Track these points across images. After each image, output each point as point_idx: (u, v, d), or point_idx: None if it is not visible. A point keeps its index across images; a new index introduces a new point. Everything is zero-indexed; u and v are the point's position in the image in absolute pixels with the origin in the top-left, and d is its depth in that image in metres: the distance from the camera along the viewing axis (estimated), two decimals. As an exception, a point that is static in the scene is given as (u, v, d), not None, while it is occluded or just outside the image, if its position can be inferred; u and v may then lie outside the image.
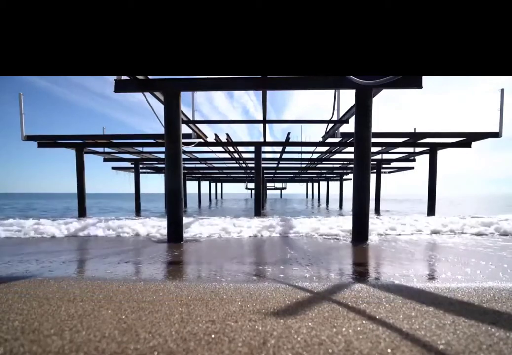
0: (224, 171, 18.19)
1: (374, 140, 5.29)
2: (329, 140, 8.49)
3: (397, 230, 5.58)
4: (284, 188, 38.65)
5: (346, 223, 5.95)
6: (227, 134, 8.34)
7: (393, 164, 14.55)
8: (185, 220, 5.60)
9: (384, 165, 14.53)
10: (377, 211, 12.31)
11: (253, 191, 27.08)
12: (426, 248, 4.19)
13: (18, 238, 5.14)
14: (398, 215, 9.37)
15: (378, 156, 12.31)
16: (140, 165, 13.99)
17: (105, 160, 12.33)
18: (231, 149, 10.15)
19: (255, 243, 4.71)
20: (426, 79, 6.08)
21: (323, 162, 14.00)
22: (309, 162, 13.71)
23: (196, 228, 5.74)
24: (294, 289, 2.11)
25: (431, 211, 9.57)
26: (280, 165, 15.22)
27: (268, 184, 33.20)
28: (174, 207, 4.91)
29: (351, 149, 7.51)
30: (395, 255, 3.55)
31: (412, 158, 12.32)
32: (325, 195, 25.51)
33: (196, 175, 21.03)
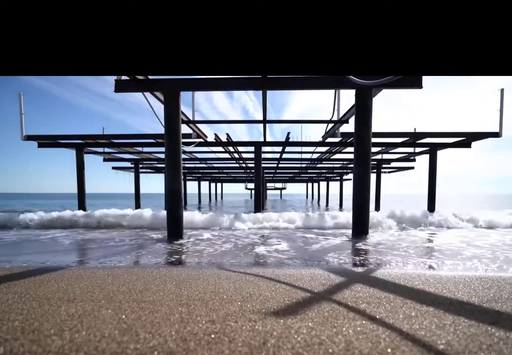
0: (224, 171, 18.20)
1: (374, 140, 5.30)
2: (329, 140, 8.50)
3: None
4: (284, 188, 38.64)
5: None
6: (227, 134, 8.34)
7: (393, 164, 14.55)
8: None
9: (384, 165, 14.53)
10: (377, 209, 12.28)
11: (253, 191, 27.06)
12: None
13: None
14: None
15: (378, 156, 12.31)
16: (140, 165, 13.99)
17: (105, 160, 12.34)
18: (231, 149, 10.15)
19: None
20: (426, 79, 6.09)
21: (323, 162, 14.00)
22: (309, 162, 13.71)
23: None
24: (294, 289, 2.11)
25: (430, 212, 9.52)
26: (280, 165, 15.22)
27: (268, 184, 33.21)
28: (174, 207, 4.92)
29: (351, 149, 7.52)
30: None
31: (412, 158, 12.32)
32: (325, 195, 25.51)
33: (196, 175, 21.03)
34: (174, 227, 4.91)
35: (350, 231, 5.35)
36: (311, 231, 6.02)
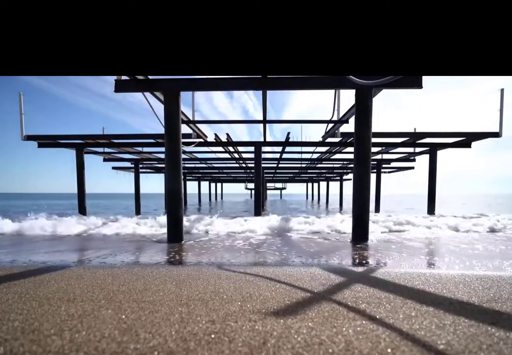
0: (224, 171, 18.19)
1: (374, 140, 5.29)
2: (329, 140, 8.49)
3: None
4: (284, 188, 38.66)
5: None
6: (227, 134, 8.34)
7: (393, 164, 14.55)
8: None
9: (384, 165, 14.52)
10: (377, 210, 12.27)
11: (253, 191, 27.04)
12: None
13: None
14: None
15: (378, 156, 12.30)
16: (140, 165, 13.99)
17: (105, 160, 12.33)
18: (231, 149, 10.14)
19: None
20: (426, 79, 6.09)
21: (323, 162, 14.00)
22: (309, 162, 13.70)
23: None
24: (294, 289, 2.11)
25: (431, 215, 9.44)
26: (280, 165, 15.22)
27: (268, 184, 33.21)
28: (174, 207, 4.91)
29: (351, 149, 7.51)
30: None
31: (412, 158, 12.32)
32: (325, 195, 25.51)
33: (196, 175, 21.03)
34: (175, 230, 4.89)
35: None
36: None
